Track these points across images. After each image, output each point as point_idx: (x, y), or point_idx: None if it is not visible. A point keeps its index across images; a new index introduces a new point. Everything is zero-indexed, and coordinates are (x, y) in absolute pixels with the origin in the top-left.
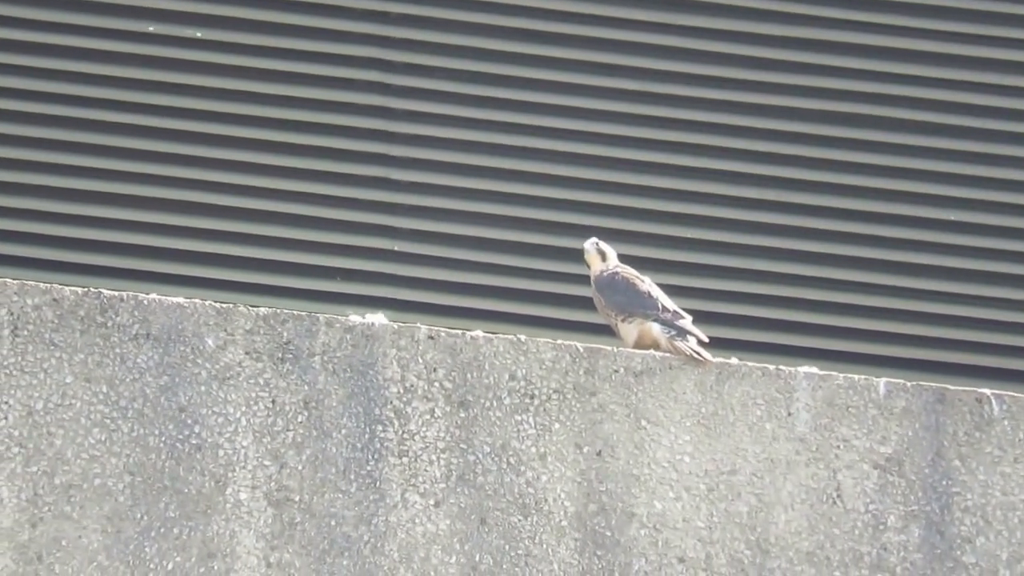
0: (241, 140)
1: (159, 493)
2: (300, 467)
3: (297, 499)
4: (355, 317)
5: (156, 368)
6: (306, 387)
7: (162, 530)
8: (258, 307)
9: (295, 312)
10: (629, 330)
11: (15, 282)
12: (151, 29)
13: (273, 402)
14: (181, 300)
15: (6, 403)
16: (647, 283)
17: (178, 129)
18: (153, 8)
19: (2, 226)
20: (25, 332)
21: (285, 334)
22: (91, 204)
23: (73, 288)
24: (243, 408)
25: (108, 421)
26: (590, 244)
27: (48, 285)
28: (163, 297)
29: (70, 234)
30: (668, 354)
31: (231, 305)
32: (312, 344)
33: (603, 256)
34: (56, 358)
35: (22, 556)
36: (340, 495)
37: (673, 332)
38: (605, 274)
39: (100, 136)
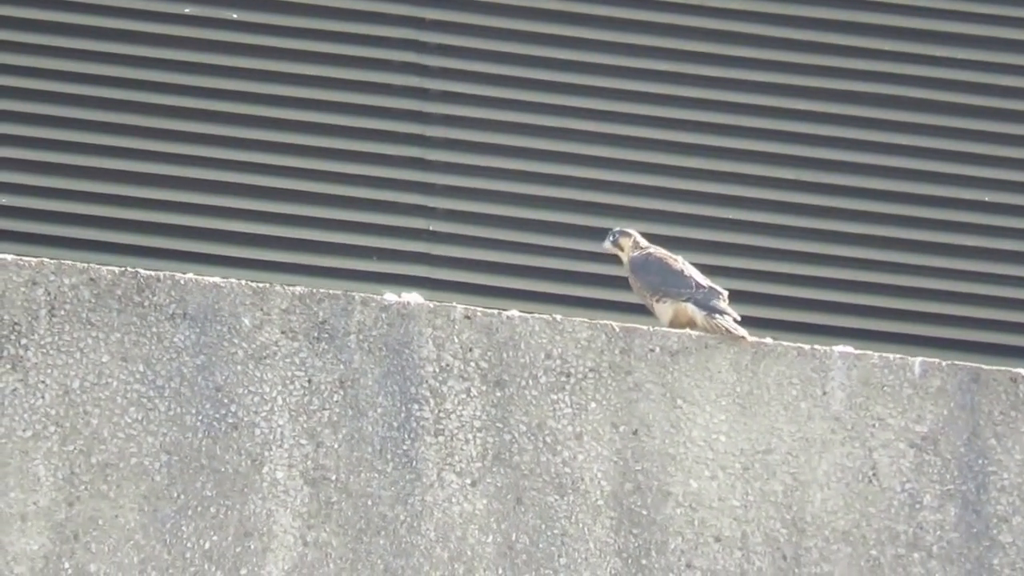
0: (278, 121)
1: (196, 472)
2: (336, 446)
3: (333, 478)
4: (391, 296)
5: (193, 347)
6: (342, 366)
7: (199, 509)
8: (294, 287)
9: (331, 291)
10: (664, 310)
11: (52, 261)
12: (187, 11)
13: (309, 381)
14: (218, 280)
15: (43, 382)
16: (680, 262)
17: (216, 110)
18: None
19: (41, 206)
20: (62, 311)
21: (321, 313)
22: (128, 184)
23: (110, 268)
24: (279, 387)
25: (145, 400)
26: (606, 245)
27: (85, 265)
28: (200, 277)
29: (107, 214)
30: (704, 333)
31: (267, 285)
32: (348, 323)
33: (621, 248)
34: (93, 337)
35: (59, 535)
36: (376, 474)
37: (709, 311)
38: (638, 256)
39: (138, 117)
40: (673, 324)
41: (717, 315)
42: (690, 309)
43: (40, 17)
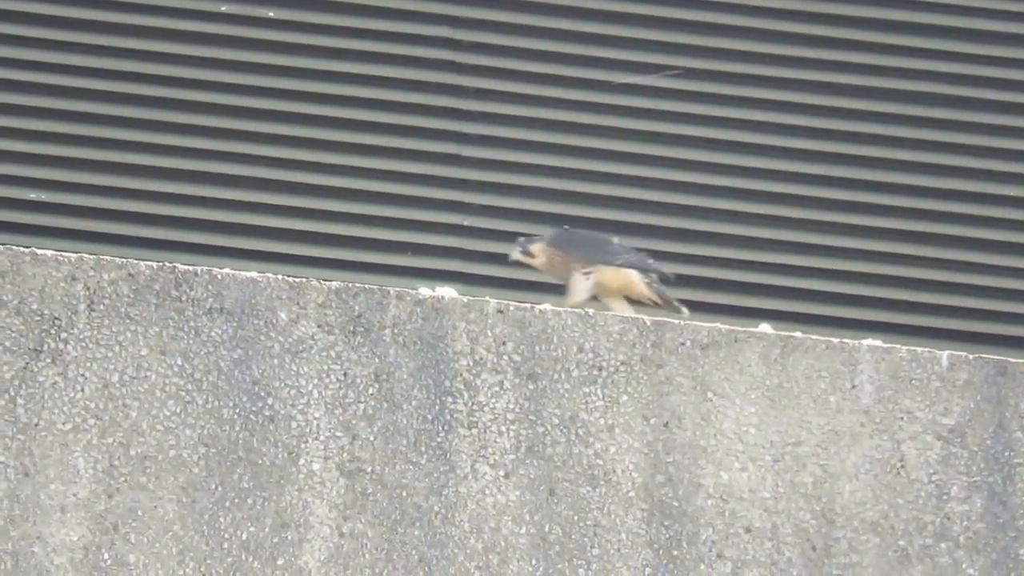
0: (313, 117)
1: (233, 464)
2: (372, 438)
3: (369, 470)
4: (425, 291)
5: (230, 341)
6: (377, 360)
7: (236, 500)
8: (330, 281)
9: (366, 286)
10: (595, 281)
11: (92, 257)
12: (223, 9)
13: (345, 375)
14: (254, 274)
15: (82, 376)
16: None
17: (251, 107)
18: None
19: (79, 202)
20: (101, 306)
21: (356, 308)
22: (166, 181)
23: (148, 263)
24: (315, 380)
25: (183, 393)
26: (516, 255)
27: (124, 260)
28: (237, 272)
29: (146, 210)
30: (651, 305)
31: (303, 280)
32: (383, 317)
33: (532, 255)
34: (132, 331)
35: (99, 526)
36: (411, 466)
37: (652, 278)
38: (559, 233)
39: (175, 114)
40: (606, 294)
41: (659, 283)
42: (632, 276)
43: (76, 15)
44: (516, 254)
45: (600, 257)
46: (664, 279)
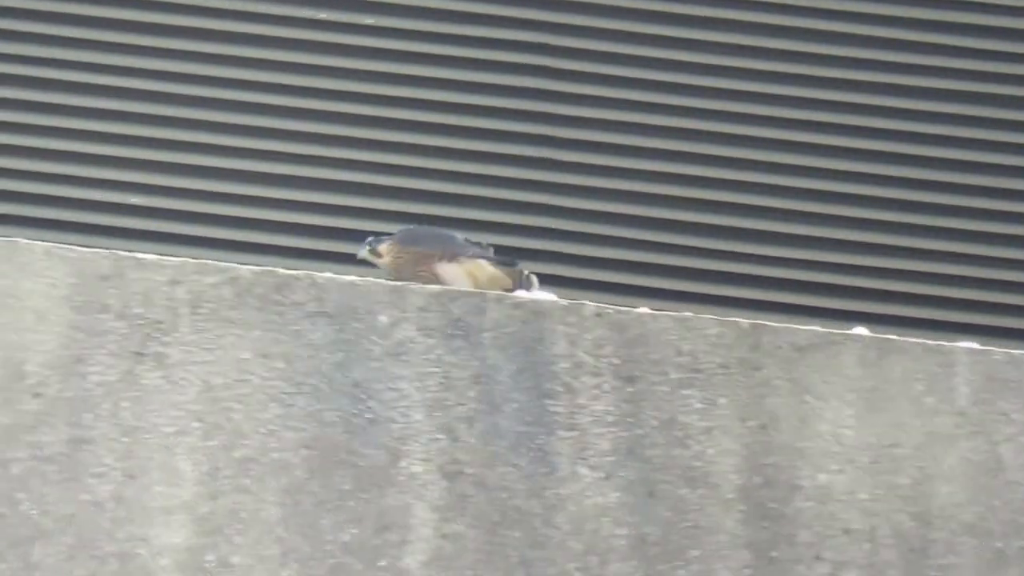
0: (413, 124)
1: (335, 466)
2: (472, 440)
3: (469, 472)
4: (524, 294)
5: (331, 345)
6: (476, 362)
7: (338, 502)
8: (429, 285)
9: (465, 290)
10: (457, 271)
11: (194, 261)
12: (323, 16)
13: (445, 377)
14: (354, 279)
15: (185, 379)
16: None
17: (354, 113)
18: None
19: (181, 206)
20: (204, 310)
21: (456, 311)
22: (267, 185)
23: (250, 267)
24: (416, 383)
25: (284, 396)
26: (363, 253)
27: (226, 264)
28: (337, 276)
29: (247, 214)
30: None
31: (403, 283)
32: (482, 321)
33: (379, 255)
34: (234, 335)
35: (202, 528)
36: (511, 468)
37: (505, 265)
38: (403, 231)
39: (275, 120)
40: (475, 283)
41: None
42: (484, 264)
43: (185, 23)
44: (363, 252)
45: (452, 250)
46: (505, 263)
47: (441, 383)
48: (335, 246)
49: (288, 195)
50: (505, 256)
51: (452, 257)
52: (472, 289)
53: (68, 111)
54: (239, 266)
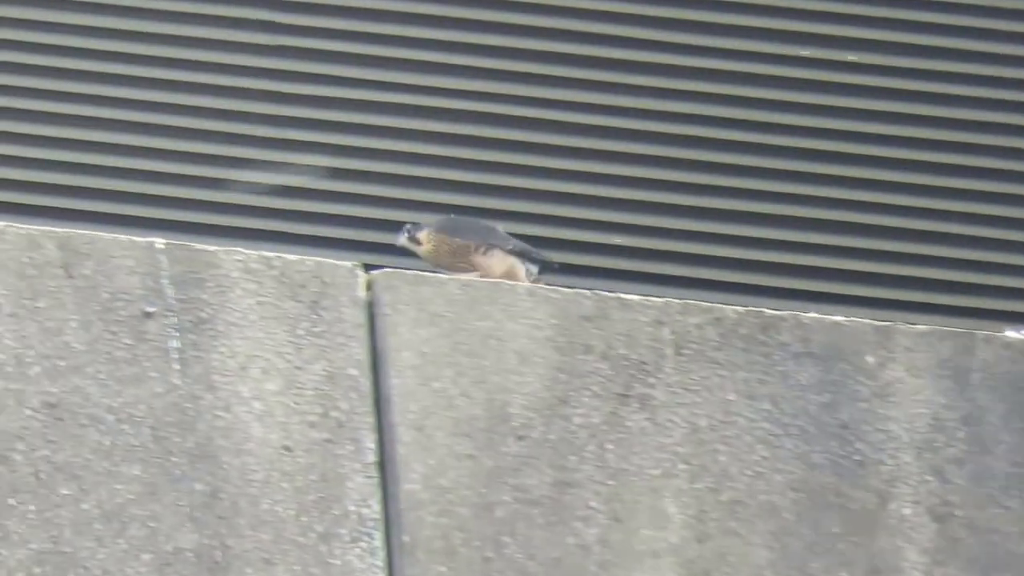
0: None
1: (823, 509)
2: (961, 482)
3: (960, 515)
4: (1012, 333)
5: (817, 385)
6: (965, 403)
7: (827, 546)
8: (916, 325)
9: (953, 329)
10: (493, 262)
11: (678, 302)
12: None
13: (934, 418)
14: (840, 319)
15: (671, 420)
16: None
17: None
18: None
19: (663, 247)
20: (688, 351)
21: (944, 351)
22: (707, 220)
23: (735, 307)
24: (905, 425)
25: (771, 438)
26: (401, 242)
27: (710, 304)
28: (823, 316)
29: (732, 255)
30: None
31: (889, 323)
32: (970, 361)
33: (419, 242)
34: (719, 376)
35: (688, 571)
36: (1002, 510)
37: (535, 268)
38: (444, 220)
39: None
40: (505, 275)
41: (536, 275)
42: (516, 266)
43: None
44: (403, 240)
45: (492, 241)
46: (550, 268)
47: (930, 424)
48: (821, 286)
49: (725, 229)
50: (540, 253)
51: (490, 249)
52: (506, 282)
53: None
54: (724, 306)
